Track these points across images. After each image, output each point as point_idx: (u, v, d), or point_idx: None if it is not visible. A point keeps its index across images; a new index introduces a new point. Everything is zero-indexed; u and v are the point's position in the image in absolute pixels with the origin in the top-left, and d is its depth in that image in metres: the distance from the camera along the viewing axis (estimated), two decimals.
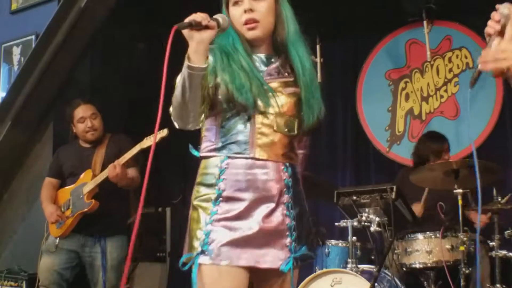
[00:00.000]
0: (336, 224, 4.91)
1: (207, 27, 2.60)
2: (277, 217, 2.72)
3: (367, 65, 6.98)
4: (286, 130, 2.78)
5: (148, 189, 2.48)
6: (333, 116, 7.09)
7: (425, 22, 6.18)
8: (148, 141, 4.71)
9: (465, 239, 4.59)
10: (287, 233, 2.74)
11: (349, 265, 4.68)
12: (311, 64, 2.89)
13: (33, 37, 6.34)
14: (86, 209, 4.95)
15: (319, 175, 5.81)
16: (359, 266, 4.70)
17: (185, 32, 2.58)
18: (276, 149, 2.77)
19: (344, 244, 5.01)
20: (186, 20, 2.58)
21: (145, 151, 4.84)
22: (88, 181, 5.01)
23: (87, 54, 6.28)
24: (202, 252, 2.63)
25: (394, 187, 4.69)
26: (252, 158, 2.73)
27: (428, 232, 4.83)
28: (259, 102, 2.73)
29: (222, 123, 2.79)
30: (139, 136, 4.82)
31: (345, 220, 4.84)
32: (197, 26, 2.57)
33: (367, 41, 7.07)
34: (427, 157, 5.65)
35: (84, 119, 5.15)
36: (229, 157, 2.75)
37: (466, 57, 6.39)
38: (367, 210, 4.79)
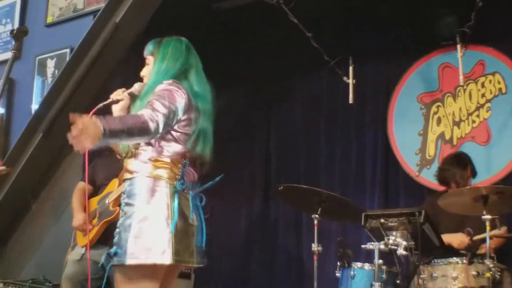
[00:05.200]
0: (363, 246, 4.85)
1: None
2: None
3: (399, 88, 6.94)
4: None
5: None
6: (363, 137, 7.05)
7: (458, 46, 6.09)
8: None
9: (491, 265, 4.52)
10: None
11: None
12: None
13: (68, 50, 6.40)
14: (110, 217, 4.88)
15: (347, 197, 5.79)
16: None
17: None
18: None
19: (370, 267, 4.94)
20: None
21: None
22: (114, 190, 4.97)
23: (120, 68, 6.33)
24: None
25: (423, 211, 4.65)
26: None
27: (454, 258, 4.78)
28: None
29: None
30: None
31: (372, 243, 4.79)
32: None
33: (400, 64, 7.02)
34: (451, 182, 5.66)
35: None
36: None
37: (499, 83, 6.33)
38: (394, 233, 4.74)
